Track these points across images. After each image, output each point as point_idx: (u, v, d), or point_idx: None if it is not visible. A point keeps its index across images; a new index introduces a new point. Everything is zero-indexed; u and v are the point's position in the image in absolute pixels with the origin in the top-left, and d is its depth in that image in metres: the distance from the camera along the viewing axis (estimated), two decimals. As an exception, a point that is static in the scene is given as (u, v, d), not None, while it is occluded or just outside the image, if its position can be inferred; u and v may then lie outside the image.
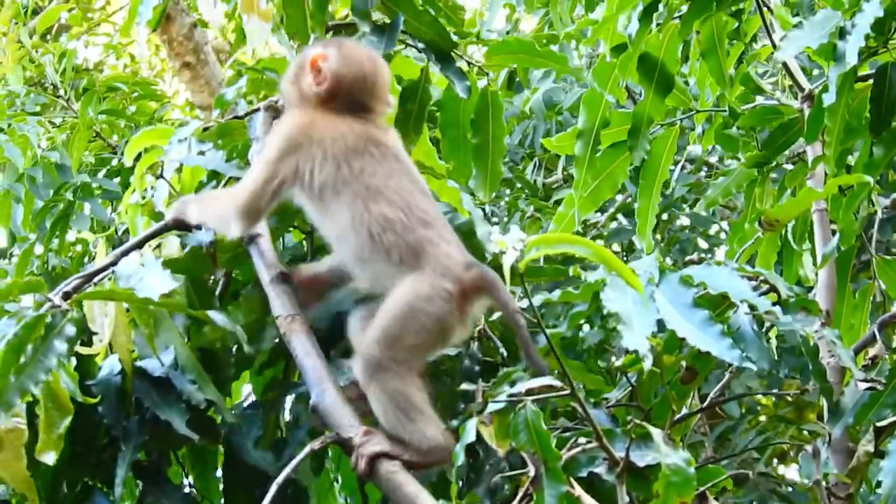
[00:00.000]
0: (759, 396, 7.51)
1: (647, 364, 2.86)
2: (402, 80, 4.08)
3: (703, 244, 7.50)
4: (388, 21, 3.91)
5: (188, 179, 4.02)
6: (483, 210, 7.00)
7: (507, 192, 7.61)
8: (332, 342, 3.48)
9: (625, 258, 7.27)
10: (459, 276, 3.18)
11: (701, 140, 5.10)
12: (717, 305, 3.20)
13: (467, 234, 3.70)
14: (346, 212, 3.25)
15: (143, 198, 4.11)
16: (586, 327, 3.50)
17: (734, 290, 3.08)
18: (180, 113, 9.04)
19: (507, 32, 7.96)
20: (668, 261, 6.93)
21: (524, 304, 3.29)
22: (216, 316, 3.33)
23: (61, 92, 7.51)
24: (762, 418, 7.41)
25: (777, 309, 3.06)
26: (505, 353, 3.59)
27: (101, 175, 6.55)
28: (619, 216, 7.46)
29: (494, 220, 7.34)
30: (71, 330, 3.14)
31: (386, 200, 3.24)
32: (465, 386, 3.41)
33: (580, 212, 4.50)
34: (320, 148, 3.30)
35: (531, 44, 4.17)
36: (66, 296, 3.25)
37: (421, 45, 4.00)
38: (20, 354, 3.04)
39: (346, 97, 3.40)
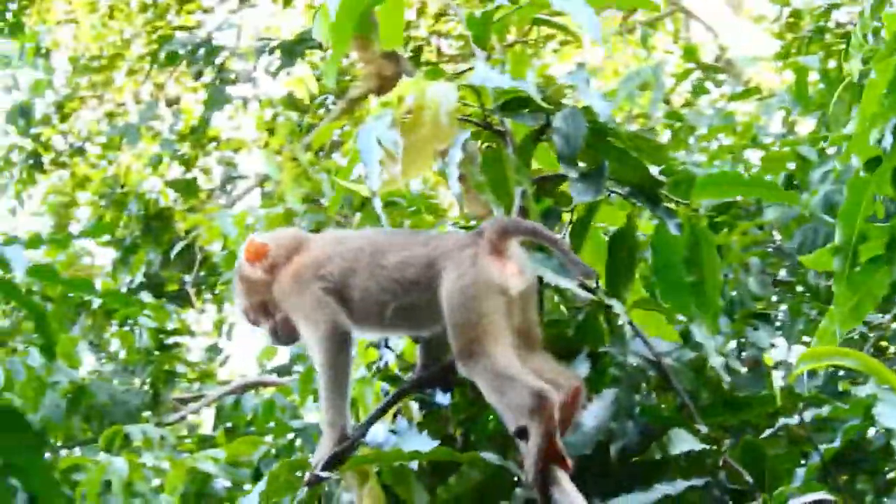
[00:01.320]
0: None
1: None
2: (607, 230, 4.09)
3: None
4: (590, 168, 3.88)
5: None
6: (766, 315, 6.93)
7: (789, 296, 7.48)
8: (586, 476, 3.42)
9: (913, 359, 7.03)
10: (474, 240, 3.40)
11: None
12: None
13: (699, 369, 3.76)
14: (377, 290, 3.48)
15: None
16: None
17: None
18: (454, 226, 9.15)
19: (783, 135, 7.89)
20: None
21: (795, 419, 3.29)
22: (488, 455, 3.33)
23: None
24: None
25: None
26: (751, 480, 3.51)
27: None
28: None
29: (777, 325, 7.21)
30: (347, 498, 3.32)
31: (383, 254, 3.51)
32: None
33: (841, 327, 4.38)
34: (319, 274, 3.59)
35: (738, 175, 4.10)
36: (330, 466, 3.39)
37: (627, 189, 3.96)
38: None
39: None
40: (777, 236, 7.40)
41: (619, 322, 3.67)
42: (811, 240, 7.25)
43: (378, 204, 3.67)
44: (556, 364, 3.44)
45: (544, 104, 3.83)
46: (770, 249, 7.26)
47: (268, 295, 3.71)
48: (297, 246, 3.73)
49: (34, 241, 1.85)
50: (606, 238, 4.03)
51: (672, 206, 3.96)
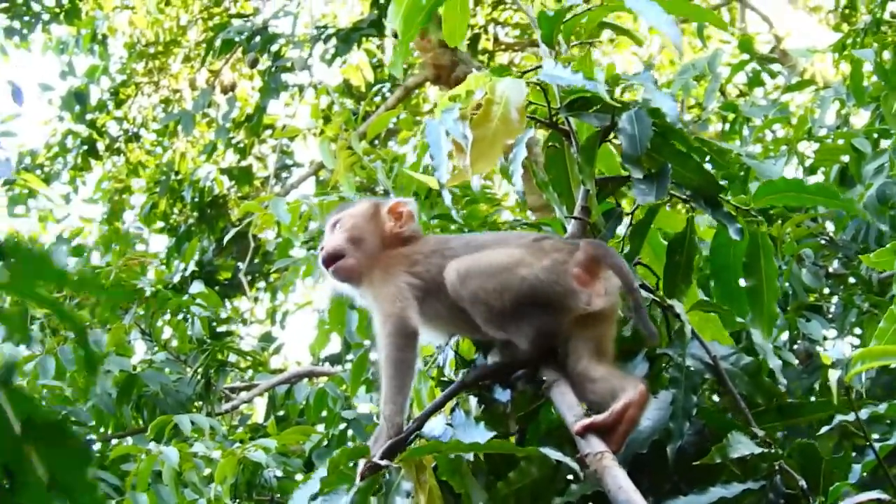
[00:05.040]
0: None
1: None
2: (667, 234, 4.14)
3: None
4: (653, 171, 3.88)
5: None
6: (819, 307, 6.87)
7: (841, 288, 7.43)
8: (641, 476, 3.38)
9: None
10: (571, 252, 3.56)
11: None
12: None
13: (754, 374, 3.76)
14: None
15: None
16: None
17: None
18: (510, 214, 9.08)
19: (838, 128, 7.82)
20: None
21: (851, 416, 3.29)
22: (546, 450, 3.30)
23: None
24: None
25: None
26: (805, 485, 3.51)
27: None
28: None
29: (829, 316, 7.17)
30: (407, 486, 3.32)
31: (482, 247, 3.68)
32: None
33: (903, 327, 4.35)
34: (412, 270, 3.71)
35: (799, 182, 4.07)
36: (388, 455, 3.41)
37: (688, 193, 3.99)
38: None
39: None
40: (830, 228, 7.35)
41: (679, 324, 3.69)
42: (864, 232, 7.21)
43: (447, 196, 3.71)
44: (623, 372, 3.50)
45: (613, 102, 3.83)
46: (823, 241, 7.21)
47: (371, 254, 3.83)
48: (410, 237, 3.87)
49: (77, 251, 1.86)
50: (665, 242, 4.07)
51: (733, 211, 3.98)
